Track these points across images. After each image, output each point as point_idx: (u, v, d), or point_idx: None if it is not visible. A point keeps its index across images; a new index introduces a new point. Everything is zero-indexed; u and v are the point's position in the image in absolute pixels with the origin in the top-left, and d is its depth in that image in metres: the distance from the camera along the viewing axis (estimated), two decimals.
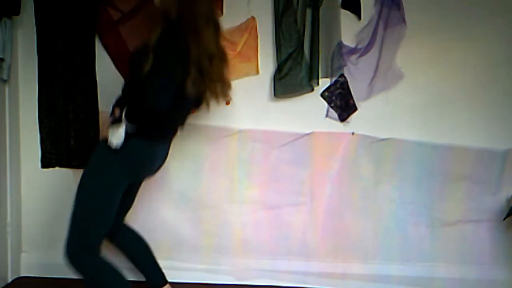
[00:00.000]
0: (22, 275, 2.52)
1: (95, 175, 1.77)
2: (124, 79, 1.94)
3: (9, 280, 2.45)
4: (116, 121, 1.73)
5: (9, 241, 2.44)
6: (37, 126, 2.46)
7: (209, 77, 1.84)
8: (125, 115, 1.71)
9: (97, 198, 1.75)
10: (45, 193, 2.52)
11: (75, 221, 1.76)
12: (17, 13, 2.32)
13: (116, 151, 1.71)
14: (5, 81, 2.36)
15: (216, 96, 1.94)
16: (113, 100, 1.84)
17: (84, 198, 1.76)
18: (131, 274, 2.34)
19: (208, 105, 1.96)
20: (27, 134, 2.49)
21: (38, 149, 2.47)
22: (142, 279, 2.25)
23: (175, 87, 1.73)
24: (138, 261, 2.17)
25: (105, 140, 1.75)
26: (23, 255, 2.55)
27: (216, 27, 1.87)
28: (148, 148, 1.81)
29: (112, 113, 1.82)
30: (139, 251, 2.15)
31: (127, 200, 2.00)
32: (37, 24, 2.39)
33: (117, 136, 1.70)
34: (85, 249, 1.76)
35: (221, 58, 1.91)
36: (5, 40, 2.28)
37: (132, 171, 1.80)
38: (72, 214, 1.77)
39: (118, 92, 2.41)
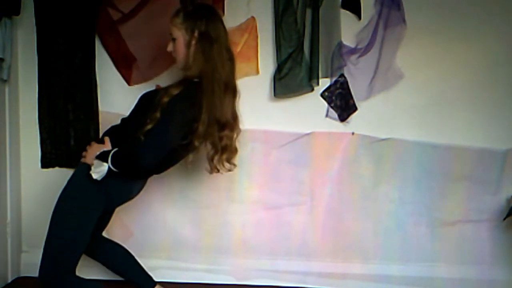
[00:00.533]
0: (22, 275, 2.52)
1: (71, 200, 1.78)
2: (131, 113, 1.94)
3: (9, 280, 2.44)
4: (101, 157, 1.74)
5: (9, 241, 2.43)
6: (37, 126, 2.45)
7: (215, 148, 1.86)
8: (111, 158, 1.71)
9: (72, 223, 1.76)
10: (45, 193, 2.51)
11: (50, 244, 1.77)
12: (17, 13, 2.32)
13: (95, 181, 1.73)
14: (5, 81, 2.36)
15: (221, 165, 1.94)
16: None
17: (59, 222, 1.77)
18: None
19: (211, 170, 1.96)
20: (27, 134, 2.48)
21: (38, 149, 2.47)
22: None
23: (169, 151, 1.73)
24: (121, 270, 2.18)
25: (86, 166, 1.76)
26: (23, 255, 2.55)
27: (234, 94, 1.90)
28: (126, 185, 1.85)
29: (102, 140, 1.83)
30: (120, 260, 2.15)
31: (102, 222, 2.01)
32: (37, 24, 2.39)
33: (98, 173, 1.72)
34: (60, 271, 1.77)
35: (233, 126, 1.93)
36: (5, 40, 2.27)
37: (108, 201, 1.82)
38: (47, 238, 1.77)
39: (118, 92, 2.43)
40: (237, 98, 1.93)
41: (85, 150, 1.83)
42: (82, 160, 1.81)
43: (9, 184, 2.42)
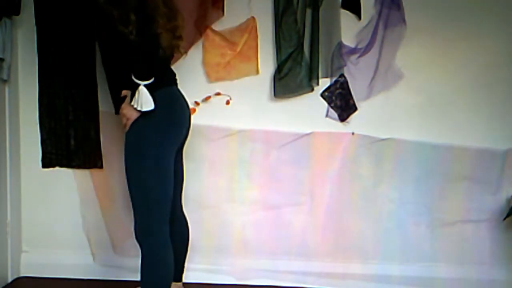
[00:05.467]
0: (22, 275, 2.52)
1: (140, 150, 1.71)
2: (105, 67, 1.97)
3: (9, 280, 2.44)
4: (133, 93, 1.69)
5: (9, 241, 2.43)
6: (37, 126, 2.45)
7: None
8: (136, 77, 1.66)
9: (152, 170, 1.70)
10: (45, 193, 2.51)
11: (137, 203, 1.72)
12: (17, 13, 2.32)
13: (149, 117, 1.68)
14: (5, 81, 2.36)
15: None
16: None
17: (138, 177, 1.71)
18: (131, 275, 2.35)
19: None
20: (27, 134, 2.48)
21: (38, 149, 2.47)
22: None
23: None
24: (174, 251, 2.13)
25: (131, 128, 1.72)
26: (23, 255, 2.54)
27: None
28: (169, 93, 1.79)
29: (122, 96, 1.77)
30: (180, 244, 2.08)
31: (176, 174, 1.90)
32: (37, 24, 2.39)
33: (145, 101, 1.65)
34: (155, 223, 1.72)
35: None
36: (5, 40, 2.27)
37: (171, 124, 1.76)
38: (132, 198, 1.73)
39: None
40: None
41: (123, 122, 1.76)
42: (128, 125, 1.73)
43: (9, 184, 2.42)
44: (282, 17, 2.32)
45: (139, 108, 1.66)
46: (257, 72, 2.39)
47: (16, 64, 2.45)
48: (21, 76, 2.47)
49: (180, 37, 1.89)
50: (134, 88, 1.68)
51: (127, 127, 1.74)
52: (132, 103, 1.68)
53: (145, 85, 1.67)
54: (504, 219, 2.29)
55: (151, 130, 1.71)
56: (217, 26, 2.37)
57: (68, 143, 2.42)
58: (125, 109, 1.73)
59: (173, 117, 1.79)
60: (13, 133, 2.44)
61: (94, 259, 2.51)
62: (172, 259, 1.77)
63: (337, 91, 2.38)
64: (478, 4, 2.31)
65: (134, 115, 1.70)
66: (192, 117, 2.24)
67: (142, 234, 1.73)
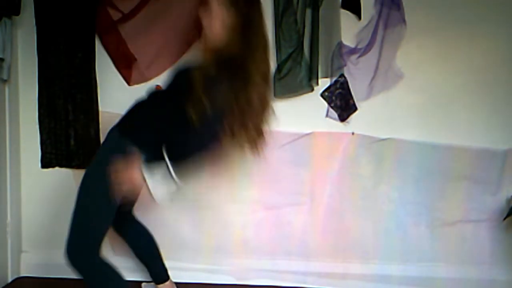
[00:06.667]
0: (22, 275, 2.52)
1: (97, 172, 1.73)
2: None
3: (9, 280, 2.45)
4: (151, 155, 1.56)
5: (9, 241, 2.44)
6: (37, 126, 2.46)
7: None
8: (167, 153, 1.56)
9: (97, 194, 1.72)
10: (45, 193, 2.52)
11: (76, 217, 1.74)
12: (17, 13, 2.32)
13: (117, 153, 1.67)
14: (5, 81, 2.36)
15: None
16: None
17: (84, 194, 1.74)
18: (132, 275, 2.35)
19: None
20: (27, 134, 2.49)
21: (38, 149, 2.47)
22: (144, 278, 2.25)
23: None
24: (142, 255, 2.16)
25: (115, 138, 1.72)
26: (23, 255, 2.55)
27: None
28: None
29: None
30: (145, 245, 2.13)
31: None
32: (37, 24, 2.39)
33: (161, 191, 1.53)
34: (85, 246, 1.74)
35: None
36: (5, 40, 2.27)
37: None
38: (74, 210, 1.74)
39: (118, 92, 2.43)
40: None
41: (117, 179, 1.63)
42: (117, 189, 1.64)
43: (9, 184, 2.42)
44: (282, 17, 2.32)
45: (151, 188, 1.55)
46: None
47: (16, 64, 2.45)
48: (21, 76, 2.47)
49: (262, 134, 1.83)
50: (157, 155, 1.58)
51: (122, 186, 1.62)
52: (145, 173, 1.56)
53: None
54: (504, 219, 2.29)
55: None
56: None
57: (68, 143, 2.42)
58: (130, 169, 1.60)
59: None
60: (13, 133, 2.44)
61: None
62: (111, 272, 1.75)
63: (337, 91, 2.38)
64: (478, 4, 2.31)
65: (137, 180, 1.60)
66: None
67: (81, 255, 1.72)
